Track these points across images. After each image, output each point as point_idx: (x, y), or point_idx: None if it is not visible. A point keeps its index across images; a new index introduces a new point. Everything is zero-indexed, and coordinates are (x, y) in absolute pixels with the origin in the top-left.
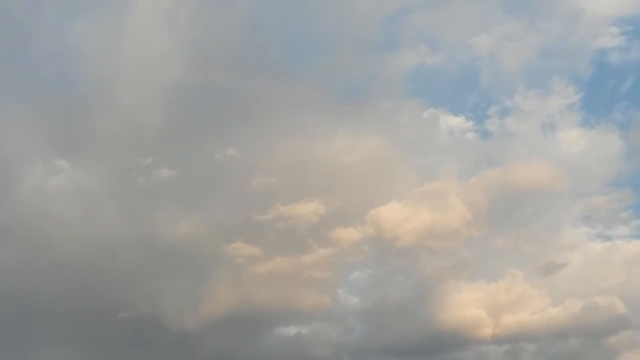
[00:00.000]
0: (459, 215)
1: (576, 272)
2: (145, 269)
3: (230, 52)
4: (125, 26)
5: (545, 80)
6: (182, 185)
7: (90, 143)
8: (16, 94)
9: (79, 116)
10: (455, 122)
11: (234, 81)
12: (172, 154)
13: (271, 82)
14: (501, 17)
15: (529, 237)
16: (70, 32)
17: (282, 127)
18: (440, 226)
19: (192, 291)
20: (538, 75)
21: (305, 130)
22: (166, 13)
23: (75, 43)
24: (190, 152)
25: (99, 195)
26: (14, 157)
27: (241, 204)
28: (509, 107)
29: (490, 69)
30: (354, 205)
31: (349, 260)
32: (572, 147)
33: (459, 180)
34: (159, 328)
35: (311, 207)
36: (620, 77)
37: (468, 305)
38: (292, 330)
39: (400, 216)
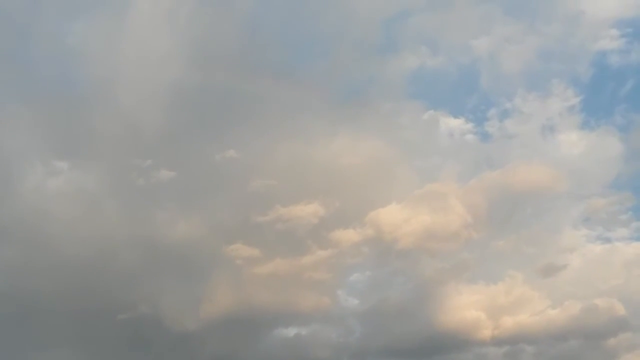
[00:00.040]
0: (458, 217)
1: (576, 274)
2: (145, 269)
3: (231, 52)
4: (125, 26)
5: (545, 83)
6: (182, 186)
7: (90, 144)
8: (16, 94)
9: (79, 117)
10: (455, 124)
11: (234, 82)
12: (172, 155)
13: (271, 84)
14: (501, 19)
15: (528, 239)
16: (70, 32)
17: (282, 128)
18: (440, 228)
19: (192, 292)
20: (538, 78)
21: (305, 132)
22: (166, 13)
23: (75, 43)
24: (190, 153)
25: (99, 196)
26: (14, 158)
27: (241, 205)
28: (508, 110)
29: (490, 71)
30: (353, 207)
31: (349, 262)
32: (572, 150)
33: (458, 182)
34: (159, 329)
35: (311, 208)
36: (620, 79)
37: (468, 306)
38: (291, 332)
39: (400, 218)
